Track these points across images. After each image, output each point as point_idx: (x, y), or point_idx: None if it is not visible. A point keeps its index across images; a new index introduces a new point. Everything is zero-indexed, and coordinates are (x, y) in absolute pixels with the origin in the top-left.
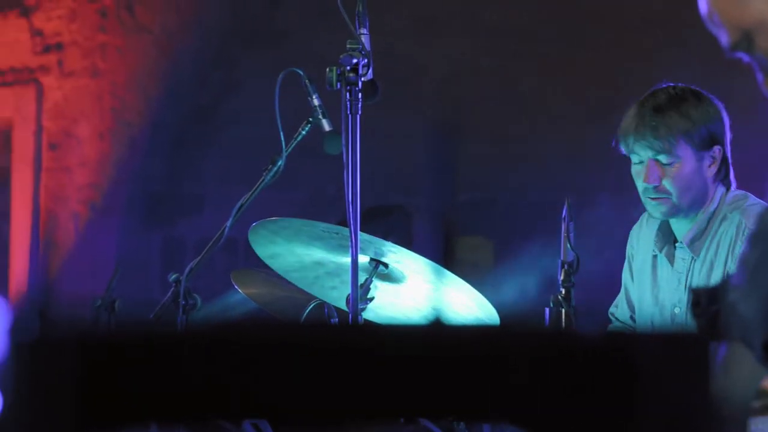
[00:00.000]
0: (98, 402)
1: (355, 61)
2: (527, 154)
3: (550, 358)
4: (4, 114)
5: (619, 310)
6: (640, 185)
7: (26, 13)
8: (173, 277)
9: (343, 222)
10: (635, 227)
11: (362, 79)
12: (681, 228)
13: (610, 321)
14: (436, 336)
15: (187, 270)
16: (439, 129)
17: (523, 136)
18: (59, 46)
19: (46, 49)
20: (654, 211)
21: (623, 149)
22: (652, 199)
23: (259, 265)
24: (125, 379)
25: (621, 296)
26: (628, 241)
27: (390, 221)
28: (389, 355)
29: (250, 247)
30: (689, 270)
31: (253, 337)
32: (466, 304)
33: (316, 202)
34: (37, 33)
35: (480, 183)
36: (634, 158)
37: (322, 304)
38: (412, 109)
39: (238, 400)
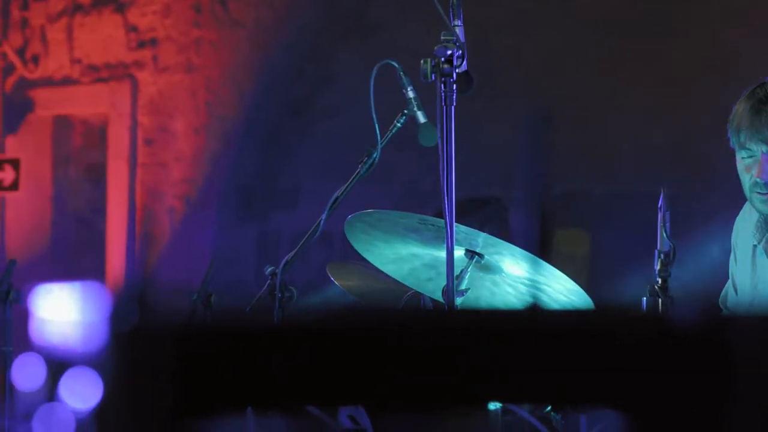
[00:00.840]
0: (195, 390)
1: (449, 52)
2: (623, 144)
3: (646, 342)
4: (100, 110)
5: (729, 298)
6: (747, 179)
7: (121, 9)
8: (269, 270)
9: (440, 214)
10: (740, 216)
11: (457, 70)
12: None
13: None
14: (532, 321)
15: (282, 263)
16: (534, 120)
17: (619, 126)
18: (154, 42)
19: (141, 45)
20: (762, 207)
21: (733, 144)
22: (761, 194)
23: (355, 257)
24: (221, 368)
25: (729, 284)
26: (733, 229)
27: (486, 213)
28: (484, 341)
29: (345, 240)
30: None
31: (346, 325)
32: (563, 294)
33: (410, 195)
34: (131, 29)
35: (575, 174)
36: (744, 153)
37: (418, 296)
38: (506, 100)
39: (334, 387)
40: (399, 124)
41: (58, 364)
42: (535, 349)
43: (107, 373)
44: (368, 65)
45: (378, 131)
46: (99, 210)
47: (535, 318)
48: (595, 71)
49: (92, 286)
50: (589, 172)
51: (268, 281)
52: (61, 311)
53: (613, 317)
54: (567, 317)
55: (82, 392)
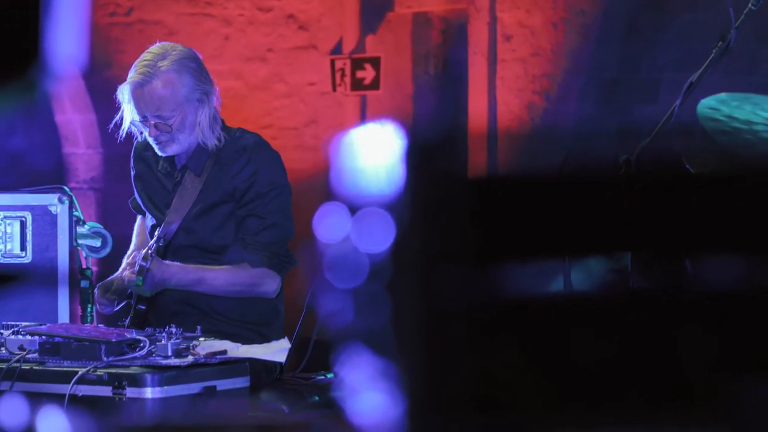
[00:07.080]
0: (492, 236)
1: None
2: None
3: None
4: (459, 6)
5: None
6: None
7: None
8: (623, 157)
9: None
10: None
11: None
12: None
13: None
14: None
15: (637, 150)
16: None
17: None
18: None
19: None
20: None
21: None
22: None
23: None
24: (517, 216)
25: None
26: None
27: None
28: None
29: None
30: None
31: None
32: None
33: None
34: None
35: None
36: None
37: None
38: None
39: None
40: (754, 7)
41: (357, 211)
42: None
43: (403, 216)
44: None
45: (732, 14)
46: (461, 107)
47: None
48: None
49: (389, 126)
50: None
51: (622, 169)
52: (361, 155)
53: None
54: None
55: (374, 234)
